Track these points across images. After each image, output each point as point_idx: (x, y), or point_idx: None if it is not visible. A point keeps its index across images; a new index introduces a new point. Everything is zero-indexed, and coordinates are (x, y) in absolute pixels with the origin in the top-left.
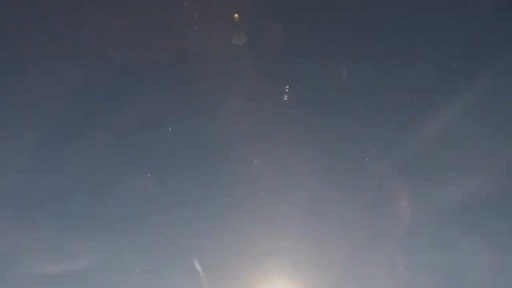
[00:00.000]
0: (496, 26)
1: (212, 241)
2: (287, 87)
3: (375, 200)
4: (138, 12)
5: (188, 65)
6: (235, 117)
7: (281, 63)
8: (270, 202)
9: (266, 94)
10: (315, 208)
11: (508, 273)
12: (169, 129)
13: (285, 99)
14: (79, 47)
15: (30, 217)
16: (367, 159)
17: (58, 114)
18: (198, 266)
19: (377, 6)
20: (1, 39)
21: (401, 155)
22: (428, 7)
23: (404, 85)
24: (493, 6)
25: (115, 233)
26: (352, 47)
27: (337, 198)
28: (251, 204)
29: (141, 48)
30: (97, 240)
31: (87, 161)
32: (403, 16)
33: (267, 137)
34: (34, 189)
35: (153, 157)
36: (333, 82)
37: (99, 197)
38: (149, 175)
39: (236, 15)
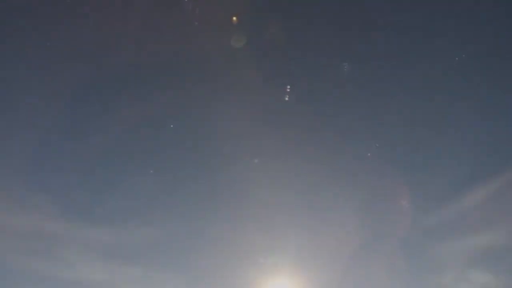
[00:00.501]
0: None
1: (216, 239)
2: (288, 87)
3: (376, 198)
4: (139, 12)
5: (189, 65)
6: (239, 116)
7: (281, 63)
8: (273, 201)
9: (267, 94)
10: (318, 206)
11: None
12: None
13: (286, 99)
14: (79, 48)
15: None
16: (368, 159)
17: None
18: None
19: (377, 7)
20: (3, 40)
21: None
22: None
23: (405, 84)
24: None
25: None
26: (352, 47)
27: (338, 197)
28: (254, 203)
29: (144, 48)
30: None
31: (88, 159)
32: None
33: (268, 137)
34: None
35: (156, 155)
36: (333, 82)
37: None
38: (151, 171)
39: (234, 18)
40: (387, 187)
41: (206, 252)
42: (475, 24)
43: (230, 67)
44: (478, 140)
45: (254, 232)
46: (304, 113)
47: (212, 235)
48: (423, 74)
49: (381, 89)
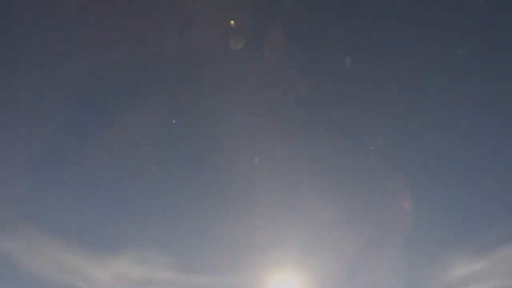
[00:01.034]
0: None
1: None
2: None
3: (377, 197)
4: (140, 13)
5: (191, 65)
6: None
7: (280, 64)
8: (276, 198)
9: (269, 94)
10: (322, 202)
11: None
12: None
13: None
14: (79, 49)
15: None
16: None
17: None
18: None
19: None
20: (6, 40)
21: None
22: None
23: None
24: None
25: None
26: (353, 48)
27: (342, 193)
28: (258, 201)
29: (145, 48)
30: None
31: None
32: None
33: (273, 136)
34: None
35: (158, 153)
36: (334, 82)
37: None
38: (154, 167)
39: (232, 22)
40: (390, 183)
41: (211, 249)
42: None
43: (232, 67)
44: (478, 140)
45: (259, 229)
46: (306, 112)
47: (216, 232)
48: (429, 73)
49: (382, 89)
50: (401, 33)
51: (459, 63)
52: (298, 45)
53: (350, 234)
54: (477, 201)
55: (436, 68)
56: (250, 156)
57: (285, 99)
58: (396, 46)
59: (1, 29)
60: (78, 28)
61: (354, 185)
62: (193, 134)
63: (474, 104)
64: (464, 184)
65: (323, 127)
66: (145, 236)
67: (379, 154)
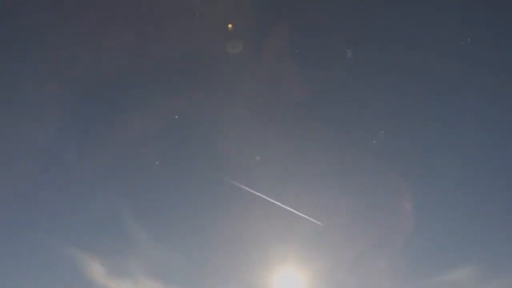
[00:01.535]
0: None
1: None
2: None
3: (377, 196)
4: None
5: (191, 66)
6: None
7: (280, 64)
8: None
9: (269, 94)
10: (325, 199)
11: None
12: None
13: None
14: (79, 49)
15: None
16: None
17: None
18: None
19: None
20: (6, 40)
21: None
22: None
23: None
24: None
25: None
26: (354, 48)
27: (344, 189)
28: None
29: (146, 49)
30: None
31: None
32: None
33: (271, 136)
34: None
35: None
36: (335, 82)
37: None
38: (157, 162)
39: (230, 25)
40: (394, 182)
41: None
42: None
43: (233, 67)
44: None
45: (260, 229)
46: (306, 112)
47: (216, 232)
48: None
49: (382, 90)
50: (399, 35)
51: (462, 58)
52: (298, 45)
53: (351, 233)
54: (479, 201)
55: (438, 66)
56: (251, 155)
57: (285, 98)
58: (395, 48)
59: (1, 29)
60: (78, 28)
61: (356, 183)
62: (193, 134)
63: (479, 102)
64: (466, 185)
65: (325, 127)
66: (150, 233)
67: (382, 153)
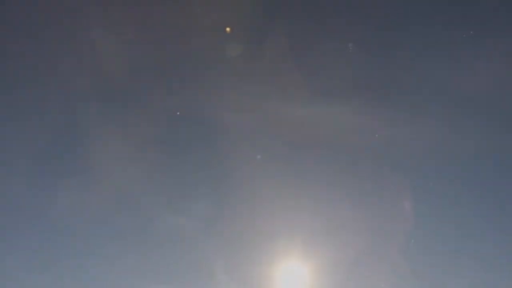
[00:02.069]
0: None
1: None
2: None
3: (378, 195)
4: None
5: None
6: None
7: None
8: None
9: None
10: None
11: None
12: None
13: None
14: (79, 48)
15: None
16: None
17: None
18: None
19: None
20: (6, 40)
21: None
22: None
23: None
24: None
25: None
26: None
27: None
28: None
29: (145, 49)
30: None
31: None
32: None
33: (272, 136)
34: None
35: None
36: (336, 83)
37: None
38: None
39: (228, 29)
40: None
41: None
42: None
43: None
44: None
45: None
46: (306, 112)
47: (217, 231)
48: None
49: (382, 91)
50: (399, 36)
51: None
52: (297, 46)
53: (352, 232)
54: (479, 203)
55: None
56: (252, 155)
57: (285, 99)
58: (395, 50)
59: (2, 28)
60: (77, 27)
61: (357, 182)
62: (194, 134)
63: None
64: (466, 186)
65: (323, 127)
66: (149, 232)
67: (381, 154)
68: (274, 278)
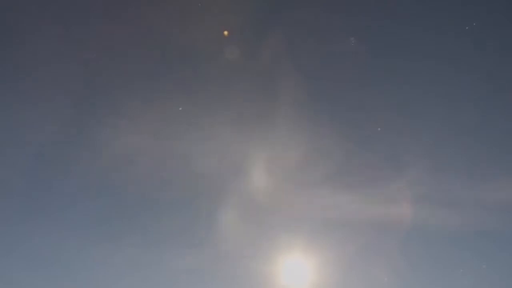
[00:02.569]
0: None
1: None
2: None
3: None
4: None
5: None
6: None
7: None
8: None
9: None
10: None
11: None
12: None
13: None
14: (79, 48)
15: None
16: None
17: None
18: None
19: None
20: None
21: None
22: None
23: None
24: None
25: None
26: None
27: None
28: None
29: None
30: None
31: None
32: None
33: (273, 136)
34: None
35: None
36: (337, 83)
37: None
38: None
39: (226, 32)
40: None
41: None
42: None
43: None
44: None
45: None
46: (306, 112)
47: (217, 229)
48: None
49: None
50: (399, 37)
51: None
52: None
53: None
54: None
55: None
56: (253, 154)
57: (285, 99)
58: (395, 52)
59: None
60: (78, 27)
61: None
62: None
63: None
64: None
65: (323, 126)
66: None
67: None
68: (277, 273)
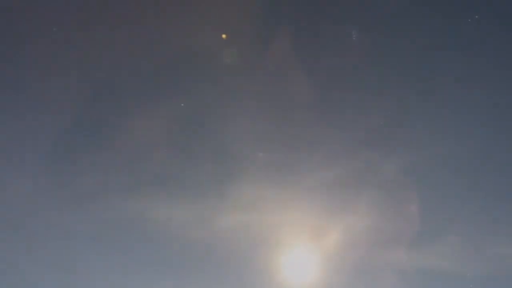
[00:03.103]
0: None
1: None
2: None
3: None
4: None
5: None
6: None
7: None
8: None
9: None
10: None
11: None
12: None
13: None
14: (79, 48)
15: None
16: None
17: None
18: None
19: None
20: (7, 40)
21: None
22: None
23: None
24: None
25: None
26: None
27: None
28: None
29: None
30: None
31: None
32: None
33: (274, 136)
34: None
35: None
36: (337, 83)
37: None
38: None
39: (224, 36)
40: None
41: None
42: None
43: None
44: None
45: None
46: (307, 113)
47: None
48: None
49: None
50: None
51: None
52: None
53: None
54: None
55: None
56: (254, 154)
57: (288, 99)
58: (396, 53)
59: (2, 28)
60: (77, 27)
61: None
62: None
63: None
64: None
65: (327, 125)
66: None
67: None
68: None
